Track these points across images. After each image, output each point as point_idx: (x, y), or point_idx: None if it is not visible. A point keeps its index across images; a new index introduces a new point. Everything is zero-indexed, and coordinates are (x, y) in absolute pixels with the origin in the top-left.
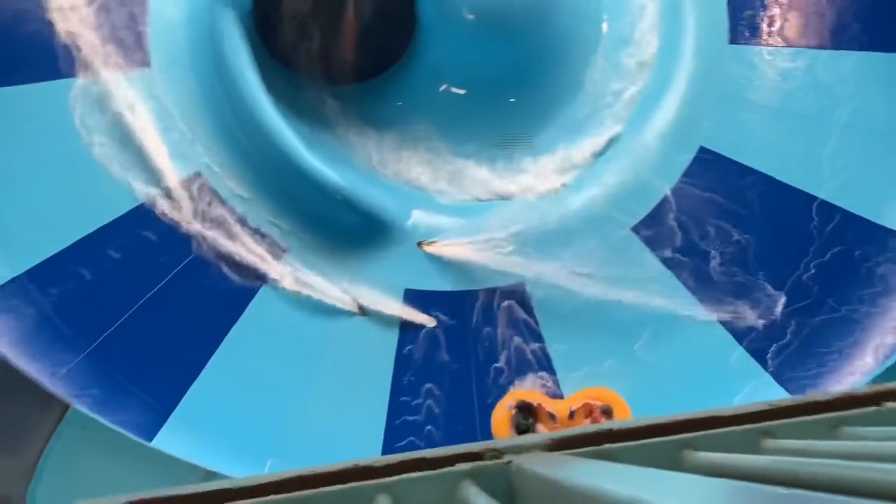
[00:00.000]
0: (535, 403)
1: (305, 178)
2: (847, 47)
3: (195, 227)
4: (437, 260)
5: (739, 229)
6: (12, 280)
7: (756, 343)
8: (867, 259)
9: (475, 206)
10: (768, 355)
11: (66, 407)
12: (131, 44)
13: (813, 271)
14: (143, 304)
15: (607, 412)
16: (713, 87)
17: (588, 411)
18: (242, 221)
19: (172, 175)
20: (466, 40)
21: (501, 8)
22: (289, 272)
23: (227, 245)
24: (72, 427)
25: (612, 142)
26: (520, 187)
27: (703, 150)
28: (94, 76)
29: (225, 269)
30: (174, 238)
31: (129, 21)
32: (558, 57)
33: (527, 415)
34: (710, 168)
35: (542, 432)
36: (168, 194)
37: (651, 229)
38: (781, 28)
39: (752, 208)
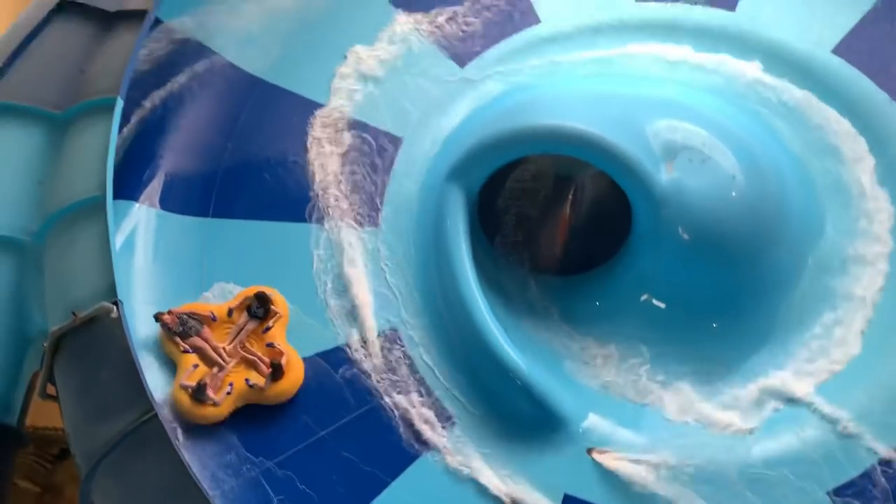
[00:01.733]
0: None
1: (492, 355)
2: None
3: (378, 379)
4: (604, 471)
5: None
6: None
7: None
8: None
9: (656, 424)
10: None
11: None
12: (368, 206)
13: None
14: (313, 442)
15: (262, 299)
16: None
17: (245, 304)
18: (422, 384)
19: (372, 327)
20: (677, 258)
21: (719, 234)
22: (452, 446)
23: (403, 404)
24: None
25: (818, 391)
26: (707, 416)
27: None
28: (332, 227)
29: (396, 427)
30: (358, 385)
31: (371, 187)
32: (771, 291)
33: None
34: None
35: (206, 333)
36: (364, 344)
37: (852, 499)
38: None
39: None
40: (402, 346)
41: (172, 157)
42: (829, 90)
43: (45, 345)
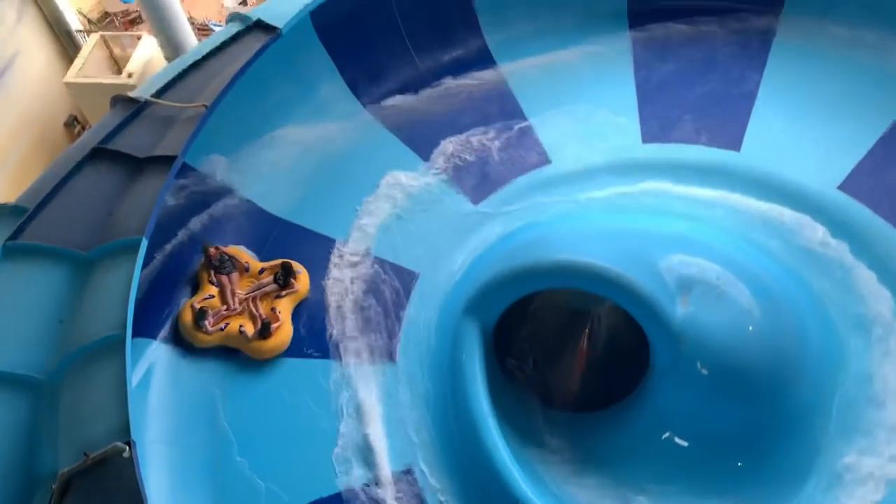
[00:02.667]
0: (234, 258)
1: (510, 497)
2: None
3: None
4: None
5: None
6: None
7: None
8: None
9: None
10: None
11: None
12: (385, 342)
13: None
14: None
15: (287, 270)
16: None
17: (275, 270)
18: None
19: (385, 466)
20: (698, 394)
21: (739, 368)
22: None
23: None
24: None
25: None
26: None
27: None
28: (349, 363)
29: None
30: None
31: (388, 322)
32: (797, 428)
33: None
34: None
35: (234, 277)
36: (377, 483)
37: None
38: None
39: None
40: (417, 487)
41: (192, 295)
42: (838, 225)
43: (52, 486)
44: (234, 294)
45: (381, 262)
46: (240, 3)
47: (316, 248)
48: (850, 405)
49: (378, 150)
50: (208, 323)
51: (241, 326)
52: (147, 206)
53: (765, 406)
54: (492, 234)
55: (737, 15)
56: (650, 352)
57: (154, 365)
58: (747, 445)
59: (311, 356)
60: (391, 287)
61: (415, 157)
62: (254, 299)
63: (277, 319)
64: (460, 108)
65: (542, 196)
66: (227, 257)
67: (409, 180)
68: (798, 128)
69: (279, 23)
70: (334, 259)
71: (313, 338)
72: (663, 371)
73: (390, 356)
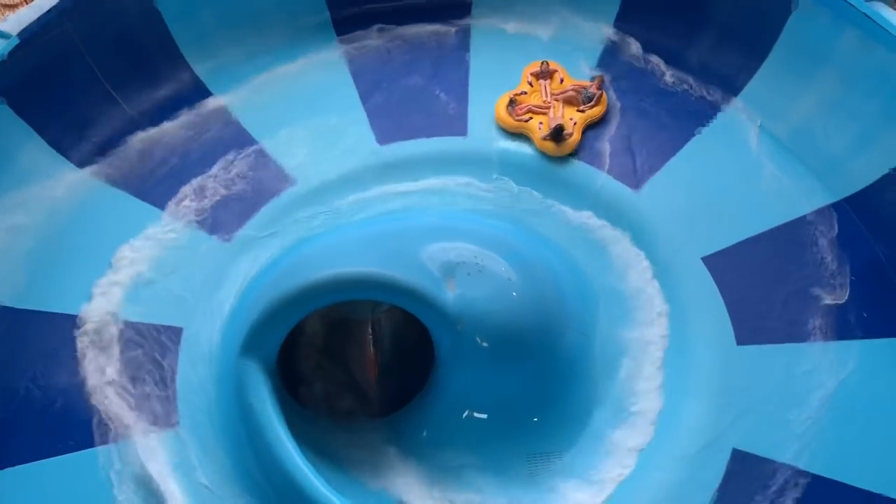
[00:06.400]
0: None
1: None
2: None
3: None
4: None
5: None
6: None
7: None
8: None
9: None
10: None
11: None
12: (161, 408)
13: None
14: None
15: (601, 84)
16: (733, 390)
17: (584, 84)
18: None
19: None
20: (483, 366)
21: (513, 332)
22: None
23: None
24: None
25: (640, 455)
26: None
27: (736, 452)
28: (125, 443)
29: None
30: None
31: (159, 387)
32: (573, 373)
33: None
34: (745, 471)
35: (526, 102)
36: None
37: None
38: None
39: None
40: None
41: None
42: (573, 190)
43: None
44: (539, 105)
45: (135, 326)
46: None
47: (57, 330)
48: (608, 349)
49: (107, 209)
50: (517, 110)
51: (539, 123)
52: None
53: (541, 358)
54: (250, 267)
55: (438, 19)
56: (433, 340)
57: None
58: (537, 400)
59: (77, 449)
60: (154, 350)
61: (150, 209)
62: (557, 99)
63: (571, 130)
64: (187, 147)
65: (293, 216)
66: (512, 98)
67: (149, 234)
68: None
69: None
70: (81, 337)
71: (75, 427)
72: (448, 354)
73: (170, 422)
